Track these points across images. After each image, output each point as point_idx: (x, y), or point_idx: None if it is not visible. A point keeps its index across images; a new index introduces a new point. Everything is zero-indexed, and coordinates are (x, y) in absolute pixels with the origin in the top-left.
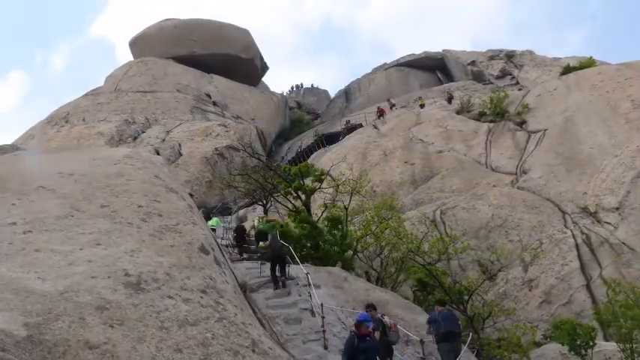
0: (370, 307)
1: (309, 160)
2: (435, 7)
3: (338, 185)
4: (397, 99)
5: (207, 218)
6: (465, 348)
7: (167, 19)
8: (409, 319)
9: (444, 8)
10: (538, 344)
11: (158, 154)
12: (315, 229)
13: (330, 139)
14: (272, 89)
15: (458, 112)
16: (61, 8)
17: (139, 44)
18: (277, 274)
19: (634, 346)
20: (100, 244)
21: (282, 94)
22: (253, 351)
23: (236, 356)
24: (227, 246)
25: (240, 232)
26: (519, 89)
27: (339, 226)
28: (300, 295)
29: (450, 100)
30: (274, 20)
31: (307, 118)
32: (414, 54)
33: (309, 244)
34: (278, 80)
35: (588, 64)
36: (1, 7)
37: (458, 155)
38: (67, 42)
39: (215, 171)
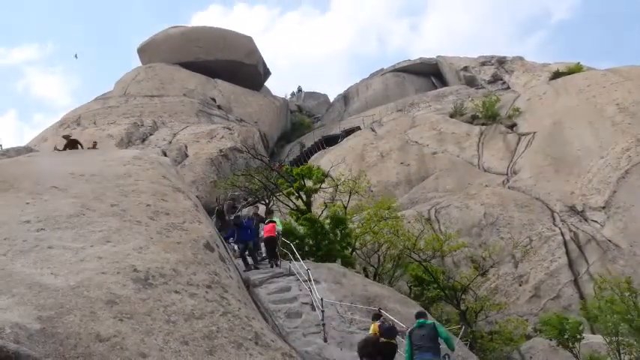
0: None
1: (310, 161)
2: (485, 36)
3: (337, 185)
4: (393, 103)
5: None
6: (458, 340)
7: (174, 27)
8: (405, 312)
9: (496, 38)
10: (528, 337)
11: (165, 155)
12: (321, 230)
13: (330, 141)
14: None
15: (451, 116)
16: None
17: (147, 51)
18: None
19: (619, 338)
20: (109, 242)
21: (283, 98)
22: (256, 343)
23: (240, 348)
24: None
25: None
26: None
27: (341, 226)
28: (300, 290)
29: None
30: (336, 51)
31: (308, 121)
32: (409, 60)
33: (311, 242)
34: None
35: (576, 69)
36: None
37: (451, 157)
38: None
39: (220, 171)
